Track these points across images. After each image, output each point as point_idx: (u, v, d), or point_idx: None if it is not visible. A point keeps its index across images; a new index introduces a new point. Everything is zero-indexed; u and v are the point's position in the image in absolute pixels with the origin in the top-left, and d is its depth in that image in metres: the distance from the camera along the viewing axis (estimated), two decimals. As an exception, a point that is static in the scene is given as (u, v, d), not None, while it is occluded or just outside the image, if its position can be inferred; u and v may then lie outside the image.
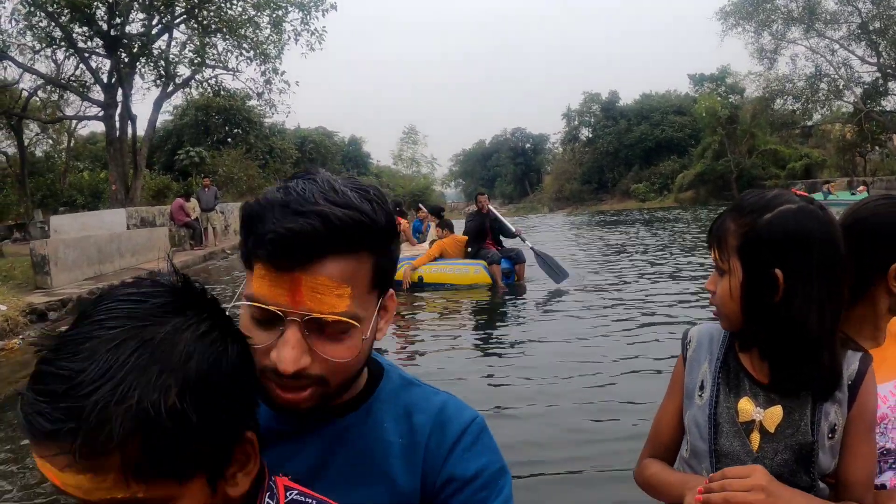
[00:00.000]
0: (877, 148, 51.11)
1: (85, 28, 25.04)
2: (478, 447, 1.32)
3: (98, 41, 25.84)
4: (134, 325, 0.84)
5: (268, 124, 51.75)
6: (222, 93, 30.20)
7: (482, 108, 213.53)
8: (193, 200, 23.95)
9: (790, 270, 1.52)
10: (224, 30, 26.12)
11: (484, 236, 13.44)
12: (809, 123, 54.91)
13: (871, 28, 45.28)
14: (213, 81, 29.62)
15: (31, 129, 43.54)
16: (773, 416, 1.59)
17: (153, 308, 0.87)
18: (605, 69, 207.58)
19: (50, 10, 23.81)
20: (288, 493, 1.03)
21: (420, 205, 20.29)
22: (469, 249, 13.41)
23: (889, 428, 1.75)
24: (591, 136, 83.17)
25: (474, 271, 12.93)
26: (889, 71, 46.15)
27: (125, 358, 0.80)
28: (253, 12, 27.17)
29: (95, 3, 23.99)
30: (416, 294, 12.52)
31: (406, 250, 13.72)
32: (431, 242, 14.01)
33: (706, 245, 1.71)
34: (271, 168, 46.17)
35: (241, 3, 26.71)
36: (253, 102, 34.85)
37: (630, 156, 75.11)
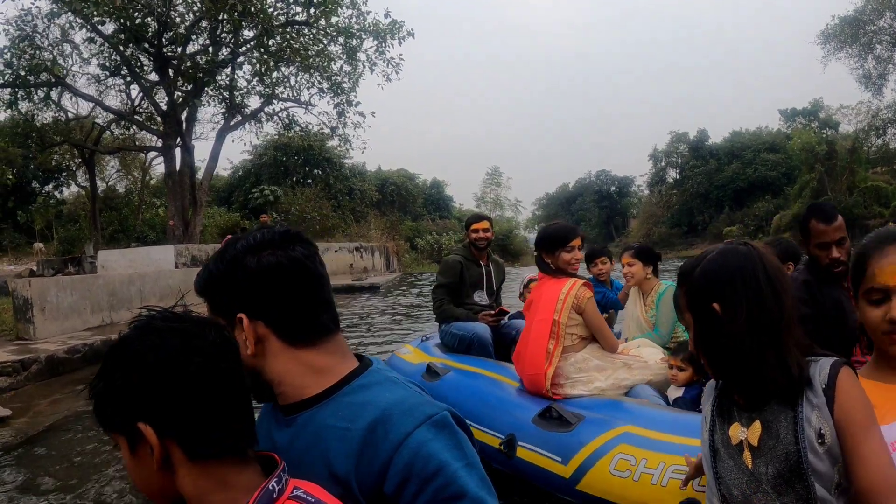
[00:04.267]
0: None
1: (132, 47, 24.12)
2: (434, 444, 1.38)
3: (149, 62, 25.01)
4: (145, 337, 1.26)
5: (348, 165, 51.17)
6: (295, 128, 28.96)
7: (566, 150, 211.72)
8: (249, 238, 22.17)
9: (723, 299, 1.81)
10: (297, 59, 24.89)
11: None
12: None
13: None
14: (283, 115, 28.44)
15: (112, 166, 43.64)
16: (754, 431, 1.81)
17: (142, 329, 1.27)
18: (692, 107, 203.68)
19: (98, 25, 23.14)
20: (295, 490, 1.25)
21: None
22: None
23: None
24: (678, 177, 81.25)
25: None
26: None
27: (126, 360, 1.25)
28: (325, 41, 25.99)
29: (147, 21, 23.09)
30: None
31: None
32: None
33: None
34: (347, 207, 45.11)
35: (314, 29, 25.50)
36: (332, 143, 33.71)
37: (721, 197, 72.84)
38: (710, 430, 1.94)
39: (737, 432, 1.84)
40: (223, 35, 25.17)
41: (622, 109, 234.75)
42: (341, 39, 26.17)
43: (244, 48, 25.51)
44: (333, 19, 25.25)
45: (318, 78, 27.07)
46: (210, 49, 25.25)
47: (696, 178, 75.69)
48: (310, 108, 28.23)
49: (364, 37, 26.37)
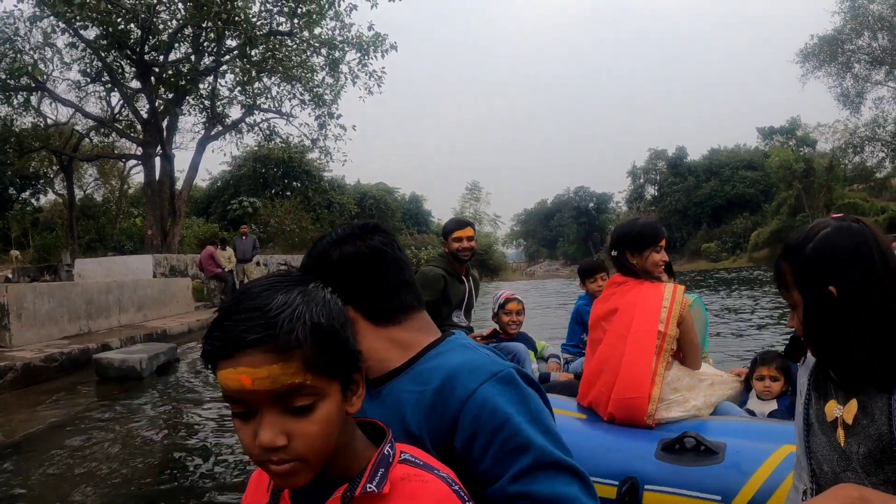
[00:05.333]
0: None
1: (114, 53, 23.85)
2: (499, 398, 1.45)
3: (130, 69, 24.77)
4: (290, 283, 1.24)
5: (328, 178, 51.02)
6: (276, 139, 28.76)
7: (545, 167, 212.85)
8: (229, 250, 21.43)
9: (841, 283, 1.70)
10: (279, 70, 24.72)
11: None
12: (881, 176, 52.81)
13: None
14: (264, 125, 28.27)
15: (90, 174, 43.22)
16: (850, 409, 1.74)
17: (295, 278, 1.28)
18: (670, 125, 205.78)
19: (81, 30, 22.81)
20: (402, 454, 1.32)
21: None
22: None
23: None
24: (657, 193, 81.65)
25: None
26: None
27: (293, 298, 1.20)
28: (308, 53, 25.91)
29: (130, 27, 22.89)
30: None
31: None
32: None
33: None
34: (326, 220, 44.88)
35: (296, 40, 25.39)
36: (312, 156, 33.52)
37: (699, 213, 73.10)
38: (806, 403, 1.91)
39: (832, 409, 1.80)
40: (206, 43, 25.02)
41: (601, 126, 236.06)
42: (324, 51, 26.07)
43: (227, 57, 25.33)
44: (317, 31, 25.17)
45: (300, 89, 27.01)
46: (192, 57, 25.08)
47: (675, 195, 75.94)
48: (291, 119, 28.15)
49: (347, 49, 26.27)
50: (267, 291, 1.21)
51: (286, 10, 24.00)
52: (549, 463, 1.42)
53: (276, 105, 27.47)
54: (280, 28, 24.86)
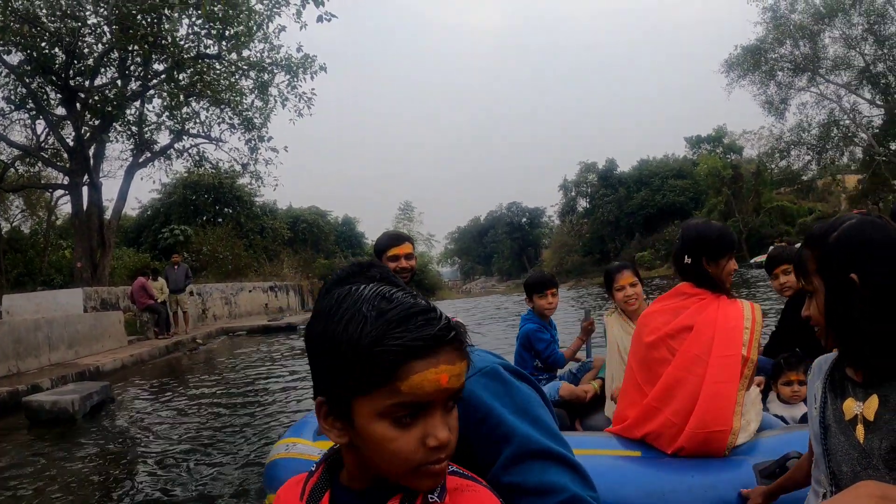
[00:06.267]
0: (890, 196, 50.57)
1: (38, 78, 23.03)
2: (482, 392, 1.48)
3: (55, 95, 23.96)
4: (412, 290, 1.26)
5: (259, 203, 50.31)
6: (205, 164, 28.11)
7: (477, 184, 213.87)
8: (161, 280, 20.79)
9: (864, 272, 1.72)
10: (208, 94, 24.15)
11: None
12: (806, 178, 54.22)
13: (875, 71, 45.09)
14: (193, 151, 27.61)
15: (16, 205, 41.90)
16: (870, 405, 1.74)
17: (403, 287, 1.27)
18: (599, 138, 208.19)
19: (3, 55, 21.98)
20: (451, 465, 1.28)
21: None
22: None
23: None
24: (589, 206, 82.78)
25: None
26: None
27: (422, 298, 1.24)
28: (237, 75, 25.37)
29: (55, 50, 22.11)
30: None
31: None
32: None
33: None
34: (259, 246, 44.16)
35: (224, 62, 24.88)
36: (243, 181, 32.88)
37: (632, 224, 74.28)
38: (822, 406, 1.90)
39: (851, 407, 1.80)
40: (133, 67, 24.35)
41: (532, 142, 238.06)
42: (253, 73, 25.53)
43: (154, 81, 24.65)
44: (245, 53, 24.67)
45: (230, 113, 26.42)
46: (119, 82, 24.34)
47: (607, 207, 77.06)
48: (220, 144, 27.51)
49: (276, 71, 25.81)
50: (408, 296, 1.23)
51: (214, 32, 23.41)
52: (535, 451, 1.43)
53: (206, 130, 26.87)
54: (208, 51, 24.28)
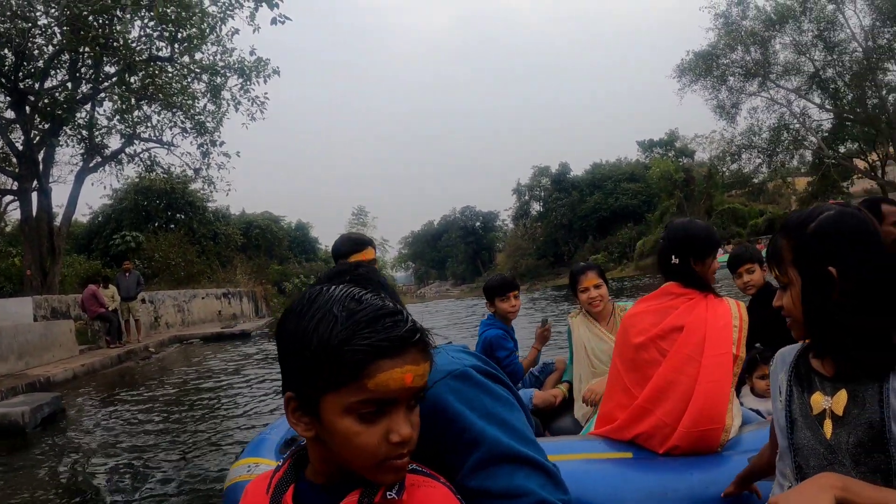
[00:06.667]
0: (839, 198, 51.72)
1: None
2: (449, 396, 1.50)
3: (4, 98, 23.33)
4: (383, 293, 1.35)
5: (212, 209, 49.68)
6: (157, 169, 27.65)
7: (430, 188, 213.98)
8: (112, 288, 20.39)
9: (842, 265, 1.70)
10: (159, 97, 23.76)
11: None
12: (757, 181, 55.31)
13: (824, 76, 46.15)
14: (145, 156, 27.15)
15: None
16: (839, 400, 1.73)
17: (375, 290, 1.34)
18: (553, 142, 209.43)
19: None
20: (411, 464, 1.33)
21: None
22: None
23: None
24: (542, 209, 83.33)
25: None
26: (847, 117, 47.13)
27: (391, 300, 1.30)
28: (189, 79, 25.01)
29: (3, 52, 21.61)
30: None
31: None
32: None
33: None
34: (212, 252, 43.60)
35: (177, 65, 24.50)
36: (195, 186, 32.38)
37: (585, 227, 74.87)
38: (787, 399, 1.89)
39: (819, 402, 1.78)
40: (83, 70, 23.85)
41: (485, 146, 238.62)
42: (205, 77, 25.16)
43: (105, 84, 24.19)
44: (198, 56, 24.36)
45: (182, 117, 25.93)
46: (69, 84, 23.84)
47: (560, 210, 77.55)
48: (172, 148, 27.01)
49: (229, 74, 25.48)
50: (377, 298, 1.29)
51: (166, 34, 23.02)
52: (502, 456, 1.44)
53: (157, 134, 26.38)
54: (160, 53, 23.93)
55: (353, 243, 4.21)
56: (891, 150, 46.97)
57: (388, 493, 1.27)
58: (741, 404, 3.85)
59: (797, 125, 48.71)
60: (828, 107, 47.75)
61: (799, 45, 45.77)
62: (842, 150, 50.33)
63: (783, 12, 44.67)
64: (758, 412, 3.98)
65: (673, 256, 3.36)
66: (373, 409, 1.22)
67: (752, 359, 4.38)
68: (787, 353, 1.97)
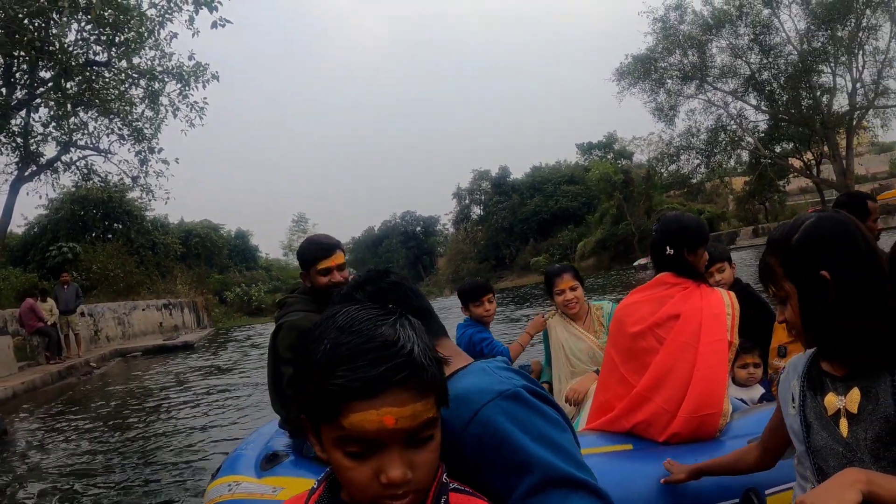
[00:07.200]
0: (775, 196, 53.01)
1: None
2: (501, 417, 1.43)
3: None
4: (389, 314, 1.25)
5: (150, 218, 48.67)
6: (94, 178, 26.90)
7: (370, 193, 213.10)
8: (50, 301, 19.67)
9: (833, 268, 1.74)
10: (96, 102, 23.09)
11: None
12: (695, 181, 56.43)
13: (760, 78, 47.34)
14: (81, 164, 26.34)
15: None
16: (853, 398, 1.75)
17: (389, 311, 1.27)
18: (492, 146, 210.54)
19: None
20: (452, 483, 1.31)
21: None
22: None
23: None
24: (483, 213, 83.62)
25: None
26: (782, 117, 48.22)
27: (408, 331, 1.21)
28: (127, 84, 24.31)
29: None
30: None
31: None
32: None
33: None
34: (151, 262, 42.73)
35: (114, 70, 23.85)
36: (133, 195, 31.64)
37: (525, 229, 75.31)
38: (801, 404, 1.91)
39: (833, 402, 1.81)
40: (18, 74, 22.98)
41: (425, 150, 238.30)
42: (143, 82, 24.50)
43: (41, 90, 23.37)
44: (136, 60, 23.72)
45: (119, 123, 25.09)
46: (3, 90, 22.99)
47: (501, 213, 77.97)
48: (109, 156, 26.13)
49: (167, 80, 24.82)
50: (382, 325, 1.21)
51: (104, 38, 22.40)
52: (557, 480, 1.38)
53: (94, 141, 25.54)
54: (97, 58, 23.24)
55: (320, 248, 4.00)
56: (825, 149, 48.27)
57: None
58: None
59: (734, 126, 49.95)
60: (764, 108, 49.04)
61: (735, 48, 47.13)
62: (778, 149, 51.83)
63: (720, 17, 45.83)
64: (742, 400, 4.10)
65: (667, 247, 3.51)
66: (356, 448, 1.18)
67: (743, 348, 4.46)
68: (797, 361, 2.01)
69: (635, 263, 47.65)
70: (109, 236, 44.28)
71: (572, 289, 4.93)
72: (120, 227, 45.97)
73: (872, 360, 1.74)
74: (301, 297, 4.03)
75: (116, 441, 9.33)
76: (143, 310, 29.95)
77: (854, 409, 1.75)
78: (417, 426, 1.18)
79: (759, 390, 4.48)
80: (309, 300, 3.98)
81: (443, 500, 1.26)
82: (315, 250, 3.96)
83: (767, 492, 3.00)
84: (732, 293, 3.54)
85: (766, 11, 45.37)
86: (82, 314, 22.25)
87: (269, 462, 3.82)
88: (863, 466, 1.69)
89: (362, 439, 1.16)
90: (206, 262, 56.11)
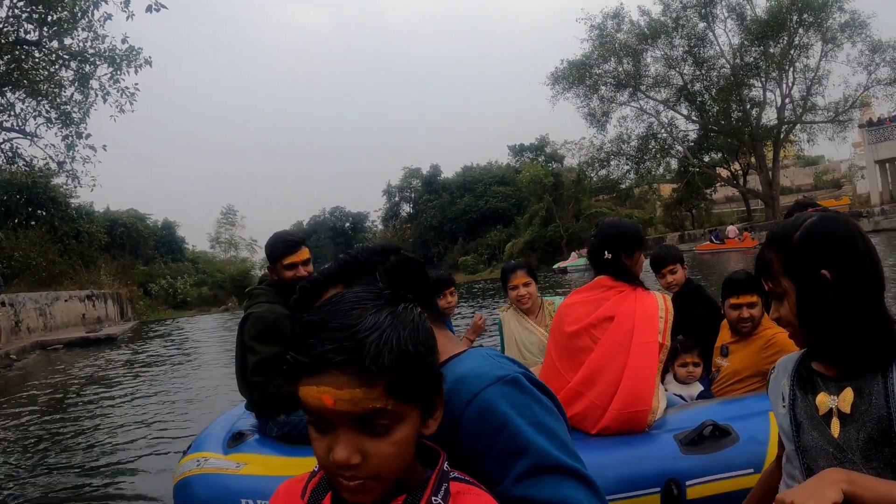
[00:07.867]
0: (702, 204, 54.18)
1: None
2: (501, 402, 1.45)
3: None
4: (382, 302, 1.24)
5: (75, 205, 47.41)
6: (19, 161, 26.16)
7: (299, 187, 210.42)
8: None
9: (834, 268, 1.74)
10: (24, 83, 22.44)
11: None
12: (624, 186, 57.40)
13: (692, 89, 48.68)
14: (6, 146, 25.62)
15: None
16: (846, 398, 1.76)
17: (386, 296, 1.27)
18: (424, 144, 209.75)
19: None
20: (452, 472, 1.33)
21: None
22: None
23: None
24: (413, 211, 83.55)
25: None
26: (712, 128, 49.54)
27: (383, 319, 1.19)
28: (57, 65, 23.71)
29: None
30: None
31: None
32: None
33: None
34: (75, 252, 41.62)
35: (44, 50, 23.23)
36: (58, 181, 30.77)
37: (455, 229, 75.30)
38: (791, 403, 1.91)
39: (825, 401, 1.81)
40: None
41: (355, 147, 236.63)
42: (74, 64, 23.97)
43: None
44: (67, 41, 23.16)
45: (47, 106, 24.61)
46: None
47: (430, 212, 77.88)
48: (36, 139, 25.59)
49: (99, 63, 24.28)
50: (357, 309, 1.22)
51: (35, 16, 21.81)
52: (550, 466, 1.40)
53: (20, 123, 24.89)
54: (28, 37, 22.61)
55: (287, 245, 4.28)
56: (752, 160, 49.57)
57: (433, 497, 1.26)
58: (665, 390, 4.19)
59: (665, 135, 51.17)
60: (694, 118, 50.41)
61: (670, 59, 48.60)
62: (706, 159, 53.23)
63: (656, 27, 47.24)
64: (680, 397, 4.42)
65: (605, 252, 3.72)
66: (314, 420, 1.21)
67: (674, 348, 4.70)
68: (787, 361, 2.02)
69: (555, 266, 47.91)
70: (32, 223, 42.91)
71: (525, 285, 5.31)
72: (44, 213, 44.53)
73: (866, 360, 1.75)
74: (267, 290, 4.35)
75: (42, 440, 8.98)
76: (66, 301, 29.20)
77: (847, 409, 1.76)
78: (361, 412, 1.17)
79: (698, 388, 4.69)
80: (274, 292, 4.29)
81: (443, 489, 1.28)
82: (282, 246, 4.27)
83: (688, 483, 3.32)
84: (668, 297, 3.76)
85: (701, 25, 47.05)
86: (2, 304, 21.70)
87: (234, 440, 4.11)
88: (853, 467, 1.71)
89: (313, 413, 1.19)
90: (131, 252, 54.92)
